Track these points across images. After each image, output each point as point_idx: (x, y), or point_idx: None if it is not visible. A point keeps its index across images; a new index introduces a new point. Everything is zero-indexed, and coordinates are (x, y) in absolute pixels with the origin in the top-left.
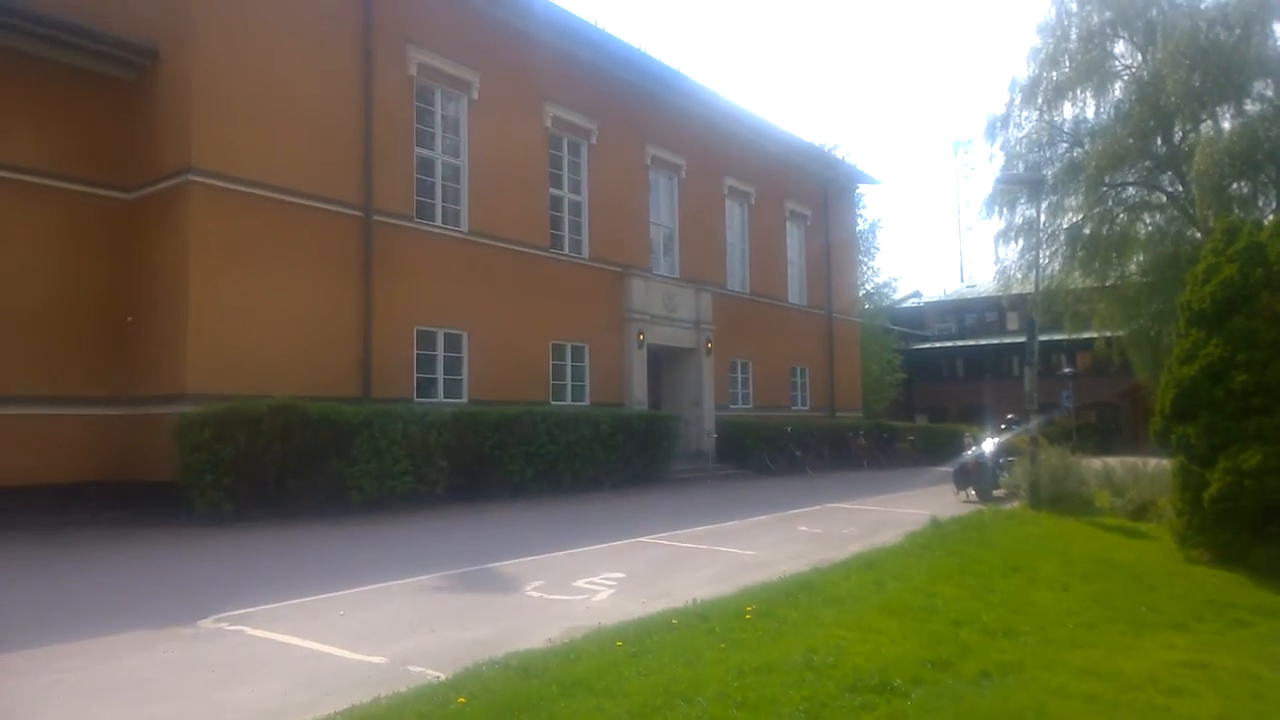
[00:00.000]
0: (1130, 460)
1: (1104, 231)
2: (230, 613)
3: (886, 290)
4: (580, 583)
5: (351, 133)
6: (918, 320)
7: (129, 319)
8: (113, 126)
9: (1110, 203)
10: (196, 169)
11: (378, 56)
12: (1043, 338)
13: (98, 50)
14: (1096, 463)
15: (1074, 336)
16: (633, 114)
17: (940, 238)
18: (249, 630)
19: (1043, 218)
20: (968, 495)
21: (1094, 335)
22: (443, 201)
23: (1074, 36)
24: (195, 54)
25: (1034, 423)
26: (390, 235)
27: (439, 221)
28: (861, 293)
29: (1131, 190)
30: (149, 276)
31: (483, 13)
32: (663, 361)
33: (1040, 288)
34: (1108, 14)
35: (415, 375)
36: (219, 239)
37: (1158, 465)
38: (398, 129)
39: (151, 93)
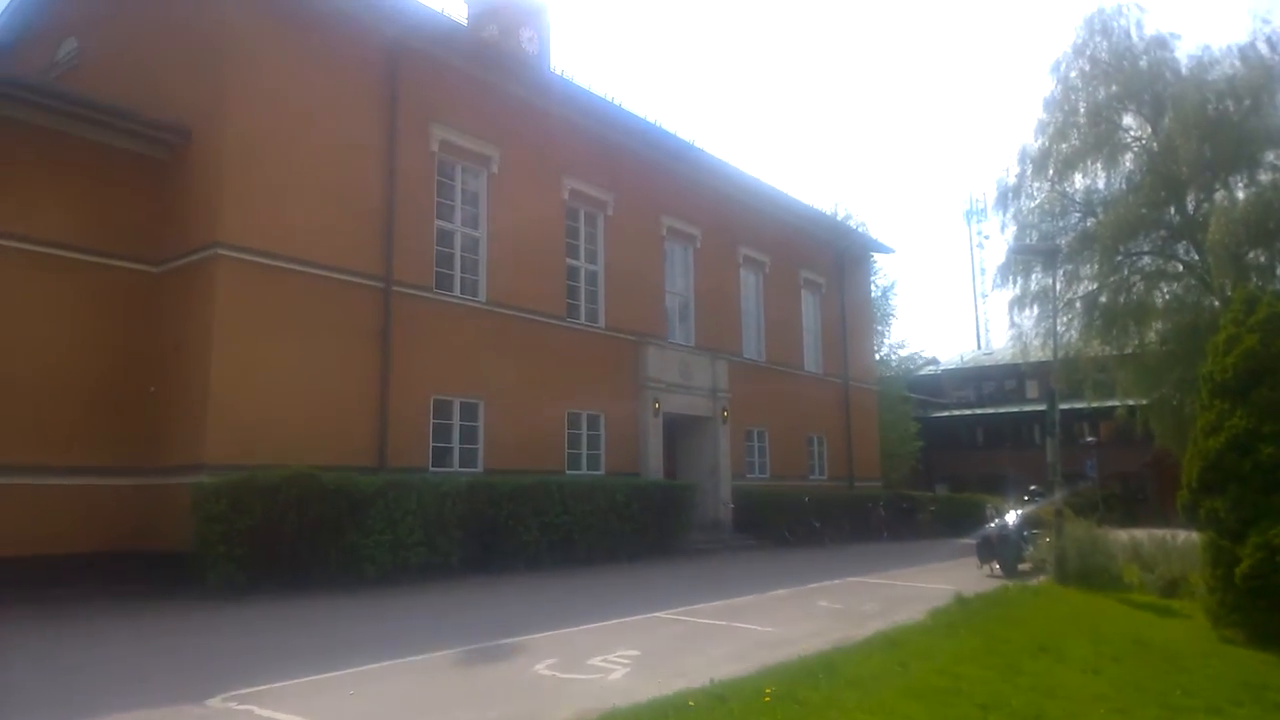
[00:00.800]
0: (1159, 533)
1: (1121, 300)
2: (239, 691)
3: (903, 358)
4: (595, 660)
5: (374, 206)
6: (935, 388)
7: (151, 389)
8: (144, 201)
9: (1126, 271)
10: (223, 243)
11: (402, 134)
12: (1064, 406)
13: (134, 130)
14: (1124, 535)
15: (1096, 405)
16: (648, 185)
17: (955, 304)
18: (258, 710)
19: (1058, 286)
20: (992, 569)
21: (1116, 404)
22: (461, 272)
23: (1082, 110)
24: (227, 133)
25: (1058, 494)
26: (409, 305)
27: (457, 292)
28: (878, 360)
29: (1147, 259)
30: (173, 348)
31: (503, 91)
32: (679, 430)
33: (1059, 356)
34: (1114, 88)
35: (431, 444)
36: (242, 310)
37: (1187, 538)
38: (419, 202)
39: (183, 169)
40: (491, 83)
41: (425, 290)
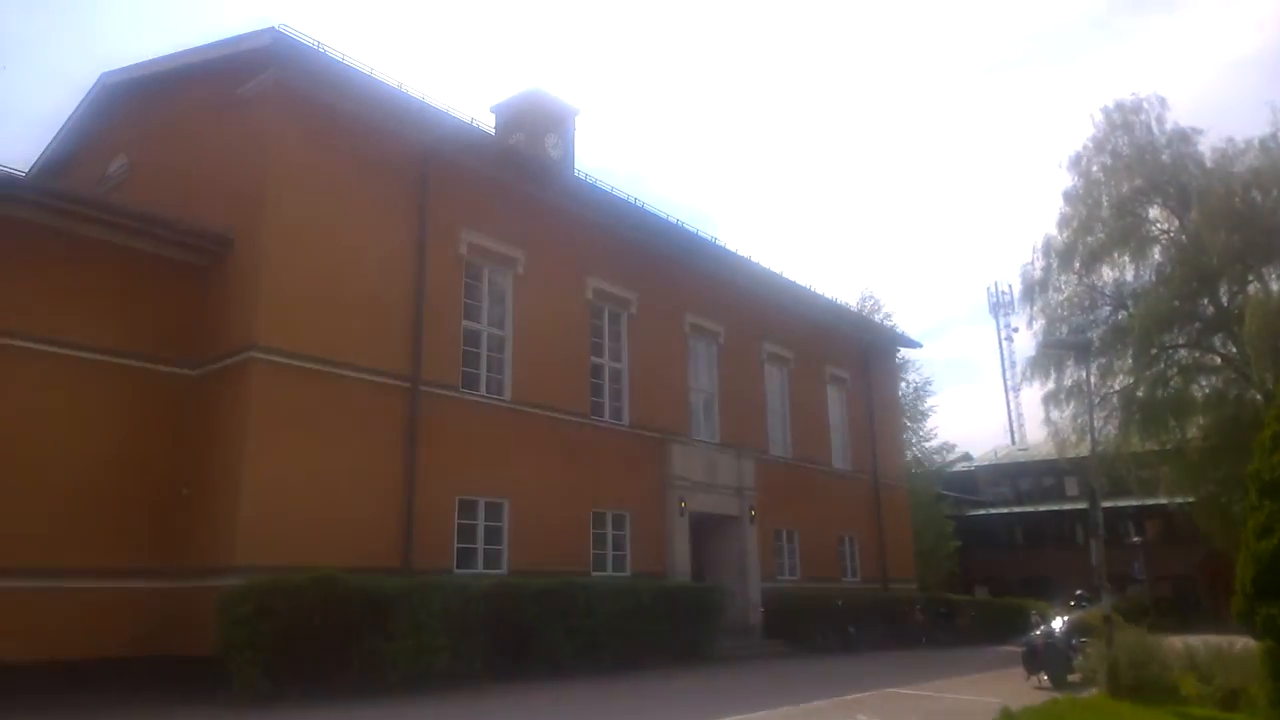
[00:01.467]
0: (1214, 639)
1: (1158, 394)
2: None
3: (935, 454)
4: None
5: (404, 308)
6: (970, 485)
7: (184, 491)
8: (185, 306)
9: (1162, 365)
10: (259, 345)
11: (431, 237)
12: (1106, 504)
13: (177, 239)
14: (1177, 642)
15: (1140, 503)
16: (671, 283)
17: (986, 397)
18: None
19: (1093, 380)
20: (1039, 680)
21: (1160, 501)
22: (487, 371)
23: (1105, 203)
24: (264, 239)
25: (1106, 599)
26: (436, 405)
27: (483, 390)
28: (909, 457)
29: (1183, 352)
30: (206, 449)
31: (529, 195)
32: (705, 530)
33: (1097, 452)
34: (1138, 181)
35: (456, 545)
36: (275, 412)
37: (1245, 646)
38: (447, 303)
39: (222, 274)
40: (518, 187)
41: (452, 389)
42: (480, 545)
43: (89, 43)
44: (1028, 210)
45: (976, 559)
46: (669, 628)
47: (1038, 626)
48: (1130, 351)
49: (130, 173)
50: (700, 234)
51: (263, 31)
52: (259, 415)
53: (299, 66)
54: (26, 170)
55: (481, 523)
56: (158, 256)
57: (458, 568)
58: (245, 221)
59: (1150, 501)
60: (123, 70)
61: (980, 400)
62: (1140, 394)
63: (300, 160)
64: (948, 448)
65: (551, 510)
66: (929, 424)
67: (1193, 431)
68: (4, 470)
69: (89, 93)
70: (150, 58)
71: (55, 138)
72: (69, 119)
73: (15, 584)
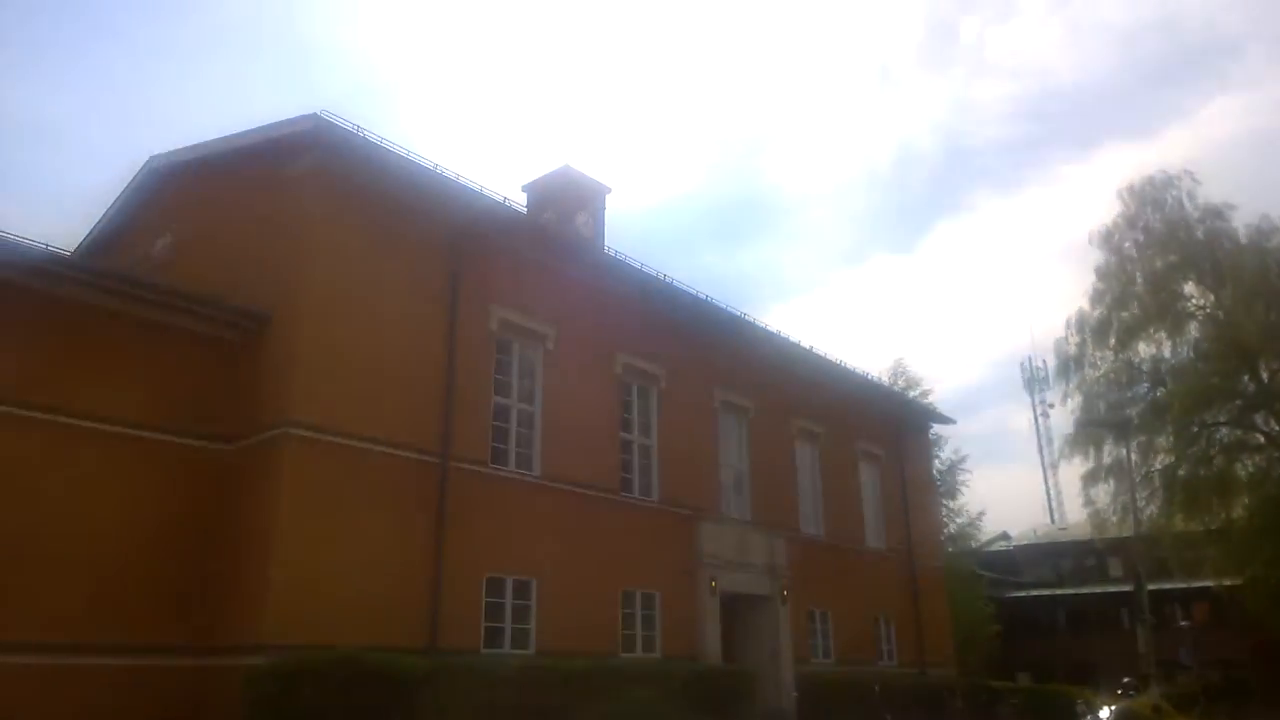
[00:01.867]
0: None
1: (1201, 473)
2: None
3: (972, 532)
4: None
5: (434, 384)
6: (1009, 565)
7: (214, 567)
8: (221, 382)
9: (1204, 443)
10: (292, 421)
11: (462, 314)
12: (1152, 586)
13: (217, 316)
14: None
15: (1186, 585)
16: (700, 359)
17: (1022, 474)
18: None
19: (1133, 458)
20: None
21: (1207, 584)
22: (516, 447)
23: (1139, 279)
24: (300, 316)
25: (1154, 688)
26: (464, 481)
27: (512, 466)
28: (945, 536)
29: (1225, 430)
30: (237, 525)
31: (559, 271)
32: (737, 610)
33: (1139, 532)
34: (1172, 258)
35: (483, 624)
36: (307, 488)
37: None
38: (477, 379)
39: (258, 351)
40: (548, 264)
41: (481, 465)
42: (508, 624)
43: (136, 125)
44: (1059, 283)
45: (1018, 643)
46: (701, 712)
47: (1084, 716)
48: (1170, 429)
49: (174, 251)
50: (729, 309)
51: (306, 116)
52: (290, 491)
53: (339, 149)
54: (74, 249)
55: (509, 601)
56: (196, 333)
57: (485, 647)
58: (283, 299)
59: (1197, 584)
60: (170, 154)
61: (1016, 477)
62: (1182, 473)
63: (337, 239)
64: (980, 522)
65: (580, 589)
66: (964, 501)
67: (1237, 511)
68: (37, 543)
69: (137, 174)
70: (197, 141)
71: (103, 217)
72: (117, 199)
73: (46, 659)
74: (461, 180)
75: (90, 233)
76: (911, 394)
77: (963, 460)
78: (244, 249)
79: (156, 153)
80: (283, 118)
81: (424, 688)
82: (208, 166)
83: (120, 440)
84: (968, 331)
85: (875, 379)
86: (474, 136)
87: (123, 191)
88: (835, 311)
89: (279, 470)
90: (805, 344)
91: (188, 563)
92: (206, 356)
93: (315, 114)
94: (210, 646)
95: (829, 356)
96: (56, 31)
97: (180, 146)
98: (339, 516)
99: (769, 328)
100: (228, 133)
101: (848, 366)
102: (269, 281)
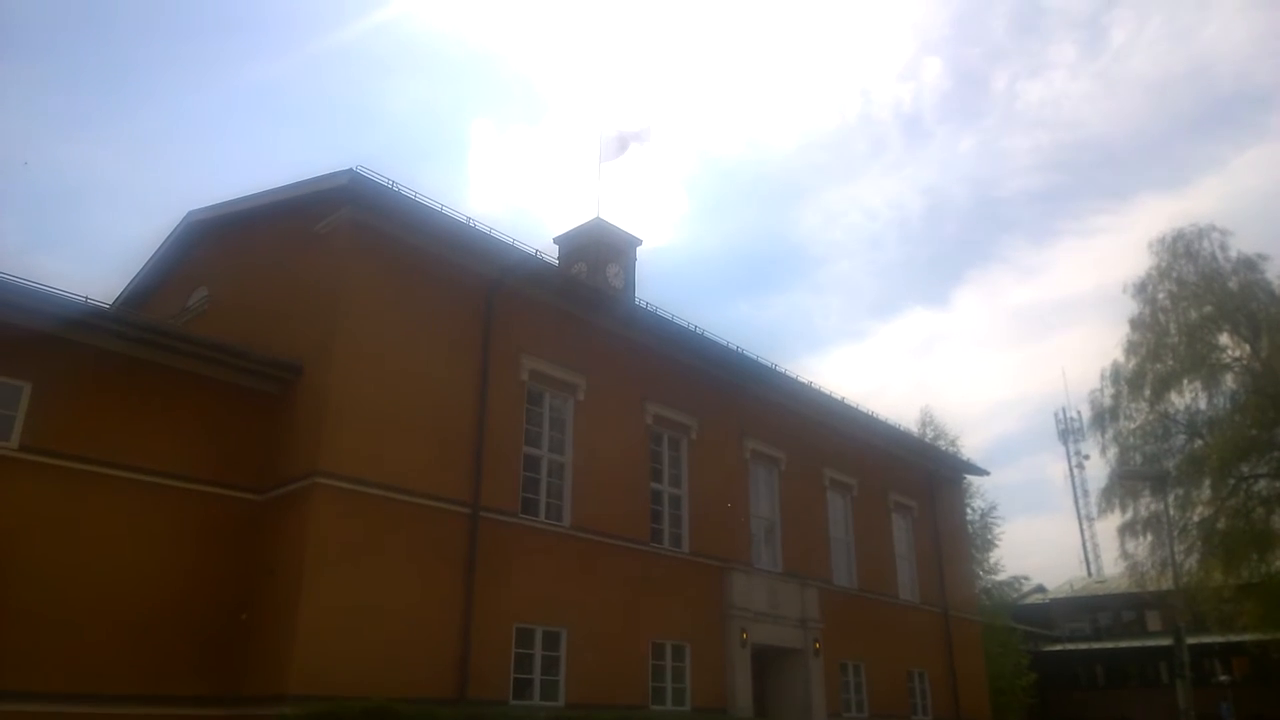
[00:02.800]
0: None
1: (1240, 526)
2: None
3: (1007, 586)
4: None
5: (465, 434)
6: (1044, 618)
7: (243, 617)
8: (254, 432)
9: (1242, 495)
10: (323, 471)
11: (494, 365)
12: (1191, 641)
13: (251, 368)
14: None
15: (1226, 640)
16: (731, 409)
17: (1057, 526)
18: None
19: (1171, 511)
20: None
21: (1246, 638)
22: (547, 497)
23: (1173, 330)
24: (333, 367)
25: None
26: (494, 531)
27: (542, 516)
28: (980, 588)
29: (1263, 482)
30: (266, 575)
31: (590, 323)
32: (768, 662)
33: (1178, 585)
34: (1206, 309)
35: (513, 675)
36: (336, 538)
37: None
38: (508, 429)
39: (291, 401)
40: (579, 315)
41: (511, 515)
42: (537, 675)
43: (175, 182)
44: (1094, 334)
45: (1056, 697)
46: None
47: None
48: (1207, 482)
49: (210, 304)
50: (760, 359)
51: (341, 173)
52: (320, 541)
53: (373, 204)
54: (112, 301)
55: (539, 652)
56: (230, 384)
57: (514, 698)
58: (315, 350)
59: (1237, 638)
60: (208, 209)
61: (1052, 528)
62: (1221, 526)
63: (370, 291)
64: (1021, 580)
65: (610, 640)
66: (998, 554)
67: (1277, 564)
68: (69, 591)
69: (175, 229)
70: (234, 197)
71: (140, 271)
72: (155, 253)
73: (76, 709)
74: (494, 233)
75: (128, 286)
76: (941, 444)
77: (993, 509)
78: (278, 301)
79: (194, 208)
80: (318, 174)
81: None
82: (244, 221)
83: (152, 489)
84: (1002, 381)
85: (907, 430)
86: (507, 192)
87: (161, 246)
88: (867, 362)
89: (308, 520)
90: (837, 395)
91: (218, 612)
92: (239, 407)
93: (350, 170)
94: (241, 697)
95: (861, 407)
96: (99, 94)
97: (218, 202)
98: (368, 566)
99: (800, 378)
100: (264, 189)
101: (880, 418)
102: (302, 333)
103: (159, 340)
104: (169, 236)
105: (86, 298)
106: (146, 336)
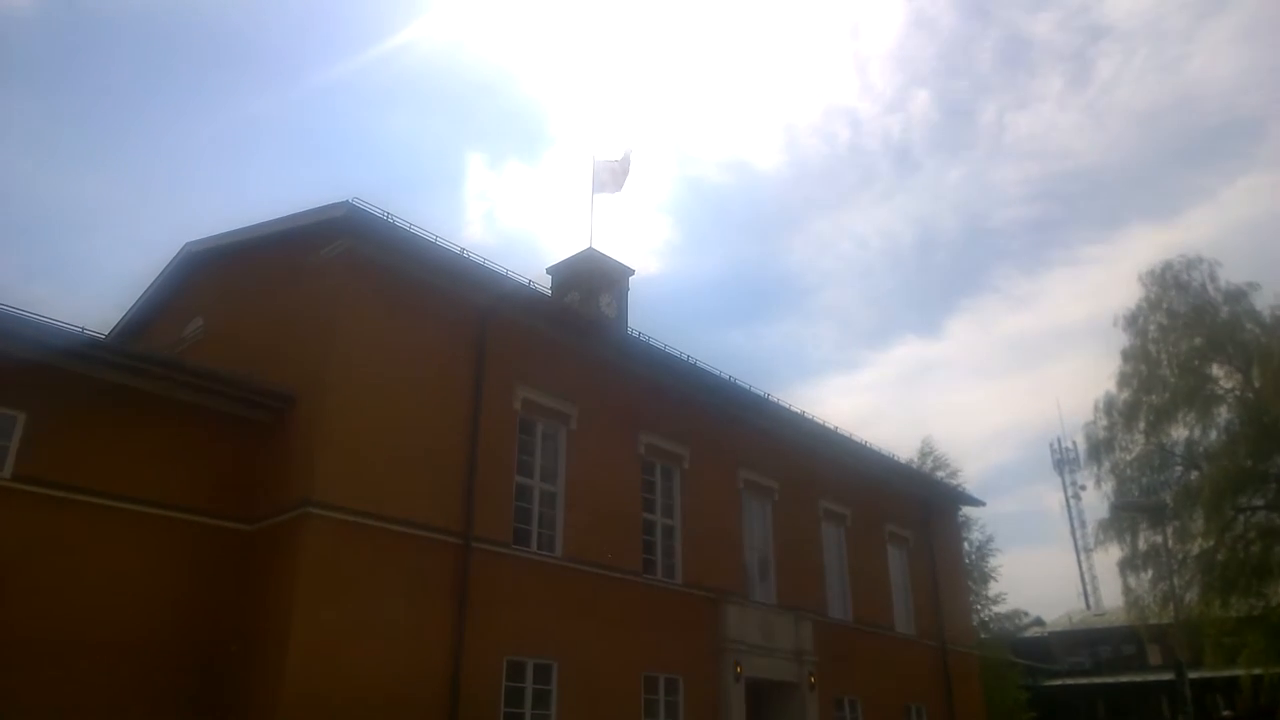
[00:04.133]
0: None
1: (1239, 558)
2: None
3: (1005, 619)
4: None
5: (457, 463)
6: (1043, 651)
7: (233, 648)
8: (246, 461)
9: (1241, 527)
10: (315, 501)
11: (486, 394)
12: (1193, 675)
13: (245, 398)
14: None
15: (1229, 674)
16: (724, 439)
17: (1054, 557)
18: None
19: (1170, 543)
20: None
21: (1247, 673)
22: (539, 527)
23: (1165, 361)
24: (326, 397)
25: None
26: (486, 561)
27: (534, 547)
28: (977, 622)
29: (1261, 514)
30: (258, 606)
31: (583, 352)
32: (762, 697)
33: (1179, 618)
34: (1197, 340)
35: (503, 709)
36: (326, 568)
37: None
38: (500, 458)
39: (284, 431)
40: (572, 344)
41: (503, 546)
42: (528, 709)
43: (171, 212)
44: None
45: None
46: None
47: None
48: (1203, 514)
49: (205, 333)
50: (753, 389)
51: (337, 204)
52: (310, 571)
53: (368, 235)
54: (108, 331)
55: (530, 685)
56: (224, 414)
57: None
58: (309, 380)
59: (1239, 672)
60: (205, 240)
61: (1049, 559)
62: (1220, 558)
63: (364, 321)
64: (1020, 614)
65: (602, 672)
66: (996, 587)
67: (1277, 597)
68: (64, 621)
69: (172, 260)
70: (232, 228)
71: (137, 301)
72: (151, 284)
73: None
74: (488, 264)
75: (125, 316)
76: (940, 475)
77: (989, 541)
78: (273, 331)
79: (191, 239)
80: (313, 206)
81: None
82: (241, 252)
83: (145, 519)
84: (996, 410)
85: (902, 461)
86: (501, 223)
87: (157, 277)
88: (860, 391)
89: (300, 550)
90: (830, 425)
91: (209, 642)
92: (233, 436)
93: (347, 202)
94: None
95: (855, 437)
96: (96, 126)
97: (215, 233)
98: (359, 597)
99: (793, 408)
100: (261, 220)
101: (874, 448)
102: (296, 362)
103: (153, 370)
104: (166, 267)
105: (83, 328)
106: (141, 366)
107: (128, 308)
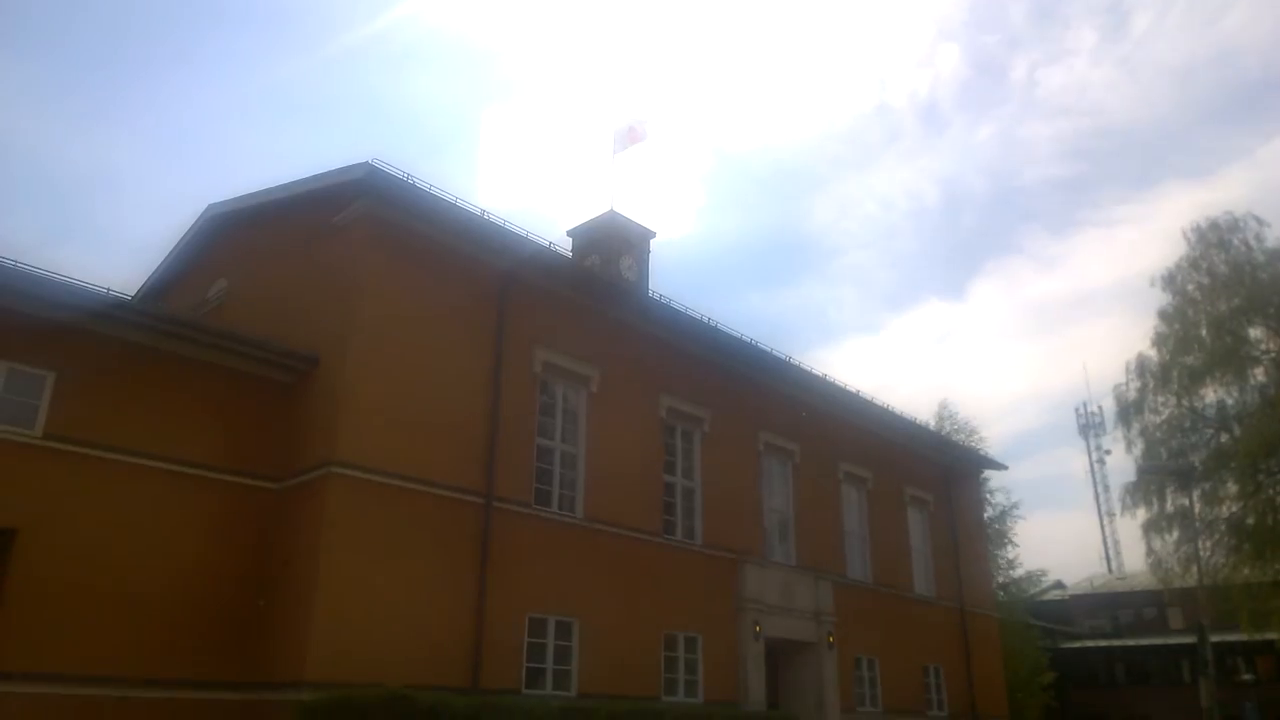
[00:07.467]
0: None
1: (1269, 522)
2: None
3: (1025, 582)
4: None
5: (478, 425)
6: (1063, 615)
7: (261, 603)
8: (271, 422)
9: (1271, 491)
10: (338, 461)
11: (507, 356)
12: (1215, 638)
13: (268, 359)
14: None
15: (1251, 638)
16: (745, 402)
17: (1077, 522)
18: None
19: (1197, 506)
20: None
21: (1272, 637)
22: (560, 488)
23: (1203, 323)
24: (349, 358)
25: None
26: (507, 521)
27: (555, 507)
28: (997, 584)
29: None
30: (283, 563)
31: (603, 315)
32: (781, 656)
33: (1204, 583)
34: (1236, 301)
35: (525, 664)
36: (350, 526)
37: None
38: (521, 420)
39: (307, 392)
40: (593, 307)
41: (524, 506)
42: (549, 665)
43: (196, 175)
44: (1116, 326)
45: (1075, 695)
46: None
47: None
48: (1235, 477)
49: (229, 295)
50: (774, 352)
51: (357, 165)
52: (334, 529)
53: (389, 197)
54: (134, 292)
55: (551, 642)
56: (248, 375)
57: (526, 688)
58: (331, 341)
59: (1262, 637)
60: (228, 202)
61: (1071, 524)
62: (1250, 522)
63: (386, 283)
64: (1037, 575)
65: (621, 631)
66: (1017, 553)
67: None
68: (93, 577)
69: (195, 222)
70: (254, 190)
71: (162, 263)
72: (175, 246)
73: (96, 691)
74: (508, 226)
75: (149, 278)
76: (960, 439)
77: (1014, 507)
78: (295, 292)
79: (214, 201)
80: (335, 167)
81: None
82: (263, 214)
83: (172, 477)
84: (1020, 374)
85: (923, 424)
86: (522, 185)
87: (181, 238)
88: (882, 355)
89: (324, 509)
90: (852, 388)
91: (236, 598)
92: (257, 397)
93: (367, 163)
94: (259, 682)
95: (876, 400)
96: (117, 90)
97: (238, 195)
98: (382, 555)
99: (815, 371)
100: (283, 182)
101: (895, 411)
102: (319, 324)
103: (179, 331)
104: (190, 229)
105: (108, 289)
106: (166, 327)
107: (152, 270)
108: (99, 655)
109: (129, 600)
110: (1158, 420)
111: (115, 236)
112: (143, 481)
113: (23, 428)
